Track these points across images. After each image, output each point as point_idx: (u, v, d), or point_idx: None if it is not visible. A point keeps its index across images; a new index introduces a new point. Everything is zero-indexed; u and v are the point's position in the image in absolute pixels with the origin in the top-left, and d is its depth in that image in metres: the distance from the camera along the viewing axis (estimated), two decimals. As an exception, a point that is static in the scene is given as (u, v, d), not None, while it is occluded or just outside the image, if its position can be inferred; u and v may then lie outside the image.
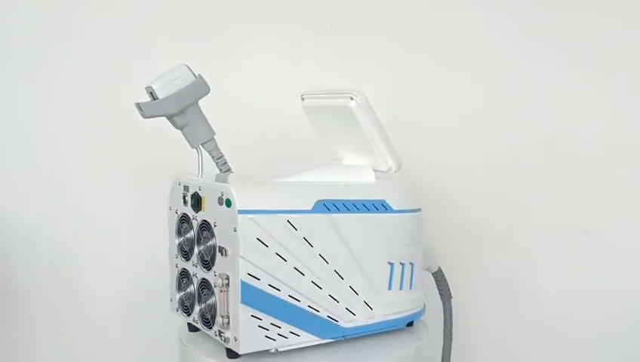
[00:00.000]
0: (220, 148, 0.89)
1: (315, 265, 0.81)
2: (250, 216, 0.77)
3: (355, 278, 0.85)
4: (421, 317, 0.96)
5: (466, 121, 1.26)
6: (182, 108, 0.83)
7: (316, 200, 0.81)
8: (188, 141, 0.86)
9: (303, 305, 0.82)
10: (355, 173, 0.91)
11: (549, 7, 1.25)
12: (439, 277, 1.04)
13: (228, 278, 0.79)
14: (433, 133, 1.26)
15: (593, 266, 1.27)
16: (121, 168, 1.20)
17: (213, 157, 0.88)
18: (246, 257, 0.77)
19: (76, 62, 1.17)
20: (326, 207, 0.82)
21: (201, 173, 0.86)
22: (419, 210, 0.92)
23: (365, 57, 1.23)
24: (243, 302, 0.78)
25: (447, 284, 1.06)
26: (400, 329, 0.91)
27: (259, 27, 1.20)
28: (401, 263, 0.89)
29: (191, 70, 0.83)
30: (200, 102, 0.86)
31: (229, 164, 0.89)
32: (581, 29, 1.25)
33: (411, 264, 0.90)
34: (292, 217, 0.79)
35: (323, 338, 0.84)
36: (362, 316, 0.86)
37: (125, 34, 1.16)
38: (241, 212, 0.77)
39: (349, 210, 0.84)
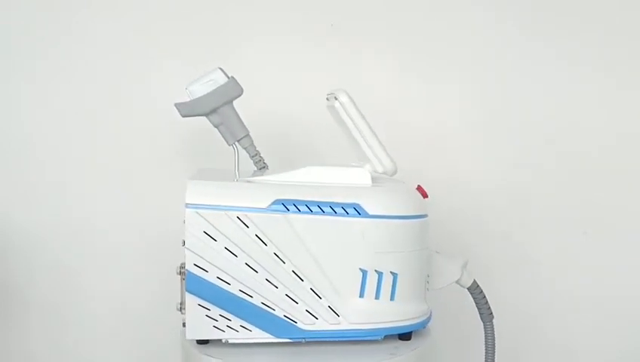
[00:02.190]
0: (220, 147, 0.98)
1: (269, 264, 0.87)
2: (196, 210, 0.85)
3: (317, 281, 0.88)
4: (424, 327, 0.96)
5: (465, 120, 1.32)
6: (214, 108, 0.94)
7: (273, 199, 0.86)
8: (224, 139, 0.96)
9: (256, 301, 0.87)
10: (345, 176, 0.93)
11: (549, 7, 1.30)
12: (475, 293, 1.04)
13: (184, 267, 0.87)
14: (433, 133, 1.31)
15: (593, 266, 1.34)
16: (121, 168, 1.27)
17: (249, 154, 0.97)
18: (192, 249, 0.85)
19: (76, 62, 1.25)
20: (285, 206, 0.87)
21: (237, 169, 0.95)
22: (414, 216, 0.92)
23: (365, 57, 1.29)
24: (188, 290, 0.86)
25: (486, 301, 1.05)
26: (379, 341, 0.93)
27: (258, 27, 1.27)
28: (377, 271, 0.90)
29: (224, 72, 0.94)
30: None
31: (265, 162, 0.98)
32: (582, 29, 1.30)
33: (393, 274, 0.90)
34: (242, 214, 0.85)
35: (278, 337, 0.89)
36: (325, 321, 0.89)
37: (125, 34, 1.25)
38: (188, 206, 0.85)
39: (311, 212, 0.87)
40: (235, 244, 0.85)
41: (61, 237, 1.28)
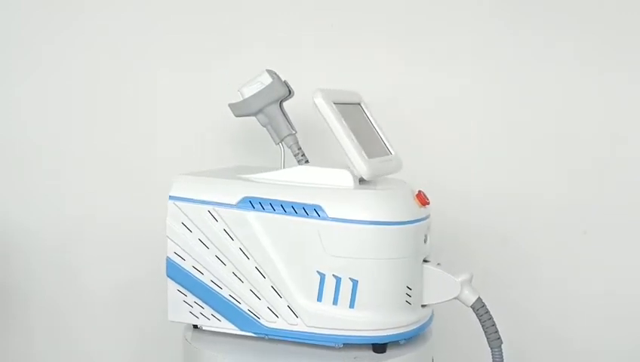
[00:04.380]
0: (221, 148, 1.17)
1: (235, 258, 0.97)
2: (175, 202, 1.00)
3: (277, 280, 0.96)
4: (402, 341, 0.96)
5: (465, 120, 1.37)
6: (260, 108, 1.07)
7: (243, 196, 0.97)
8: (272, 138, 1.08)
9: (225, 293, 0.99)
10: (327, 177, 0.98)
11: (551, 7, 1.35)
12: (480, 313, 0.99)
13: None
14: (432, 132, 1.37)
15: (593, 266, 1.38)
16: (121, 167, 1.37)
17: (292, 153, 1.08)
18: (171, 237, 1.01)
19: (76, 61, 1.35)
20: (251, 204, 0.96)
21: (283, 168, 1.05)
22: (381, 223, 0.93)
23: (366, 58, 1.35)
24: (169, 276, 1.02)
25: (493, 323, 0.99)
26: (339, 348, 0.95)
27: (258, 27, 1.34)
28: (335, 276, 0.93)
29: (270, 73, 1.07)
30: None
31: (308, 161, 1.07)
32: (584, 29, 1.35)
33: (352, 280, 0.92)
34: (212, 209, 0.98)
35: (243, 331, 0.98)
36: (285, 320, 0.96)
37: (125, 33, 1.35)
38: (170, 198, 1.01)
39: (274, 210, 0.95)
40: (207, 237, 0.98)
41: (61, 236, 1.38)
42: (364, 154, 0.97)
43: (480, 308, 0.98)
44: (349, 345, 0.95)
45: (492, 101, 1.37)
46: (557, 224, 1.38)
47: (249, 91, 1.06)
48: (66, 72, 1.37)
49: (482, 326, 0.99)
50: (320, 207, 0.94)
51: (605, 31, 1.34)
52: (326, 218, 0.93)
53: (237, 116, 1.08)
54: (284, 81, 1.07)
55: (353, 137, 0.97)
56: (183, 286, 1.01)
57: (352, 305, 0.93)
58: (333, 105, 0.97)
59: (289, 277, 0.95)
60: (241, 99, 1.07)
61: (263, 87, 1.05)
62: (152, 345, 1.41)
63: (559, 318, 1.40)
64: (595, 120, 1.36)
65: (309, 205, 0.94)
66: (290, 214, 0.95)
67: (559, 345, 1.40)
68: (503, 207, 1.38)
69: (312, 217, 0.94)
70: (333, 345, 0.95)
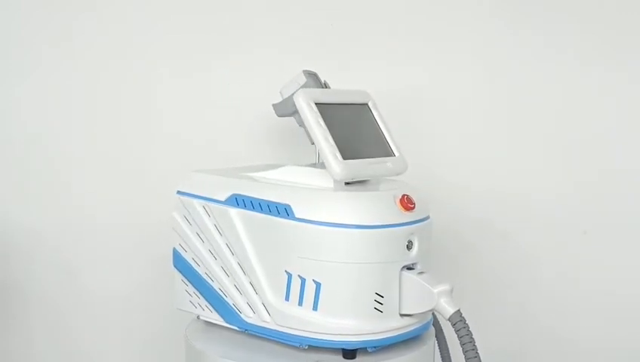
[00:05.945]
0: (224, 149, 1.19)
1: (223, 253, 1.03)
2: (180, 196, 1.07)
3: (253, 277, 1.00)
4: (369, 349, 0.96)
5: (466, 120, 1.42)
6: (296, 109, 1.05)
7: (231, 193, 1.02)
8: (308, 137, 1.08)
9: (215, 286, 1.05)
10: (310, 177, 1.01)
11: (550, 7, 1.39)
12: (457, 327, 0.92)
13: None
14: (432, 132, 1.42)
15: (593, 266, 1.42)
16: (121, 167, 1.41)
17: None
18: (176, 230, 1.08)
19: (76, 62, 1.38)
20: (237, 201, 1.01)
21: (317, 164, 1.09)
22: (349, 226, 0.93)
23: (366, 58, 1.40)
24: (174, 266, 1.09)
25: (470, 339, 0.91)
26: (307, 350, 0.97)
27: (258, 27, 1.39)
28: (300, 277, 0.95)
29: (305, 74, 1.10)
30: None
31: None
32: (584, 29, 1.38)
33: (316, 282, 0.94)
34: (206, 204, 1.04)
35: (228, 323, 1.04)
36: (259, 317, 1.00)
37: (126, 33, 1.39)
38: (177, 192, 1.08)
39: (253, 208, 0.99)
40: (202, 231, 1.04)
41: (61, 236, 1.41)
42: (339, 156, 0.96)
43: (457, 322, 0.91)
44: (315, 347, 0.97)
45: (492, 101, 1.41)
46: (557, 224, 1.42)
47: (287, 92, 1.10)
48: (66, 72, 1.40)
49: (459, 341, 0.92)
50: (289, 207, 0.96)
51: (605, 31, 1.38)
52: (293, 218, 0.95)
53: (279, 116, 1.12)
54: (324, 82, 1.11)
55: (329, 138, 0.97)
56: (185, 276, 1.08)
57: (315, 308, 0.95)
58: (313, 105, 0.99)
59: (262, 274, 0.99)
60: (281, 99, 1.11)
61: (299, 87, 1.08)
62: (152, 345, 1.45)
63: (559, 318, 1.43)
64: (595, 120, 1.39)
65: (281, 205, 0.97)
66: (265, 213, 0.98)
67: (559, 345, 1.44)
68: (504, 207, 1.42)
69: (282, 217, 0.96)
70: (296, 345, 0.97)
